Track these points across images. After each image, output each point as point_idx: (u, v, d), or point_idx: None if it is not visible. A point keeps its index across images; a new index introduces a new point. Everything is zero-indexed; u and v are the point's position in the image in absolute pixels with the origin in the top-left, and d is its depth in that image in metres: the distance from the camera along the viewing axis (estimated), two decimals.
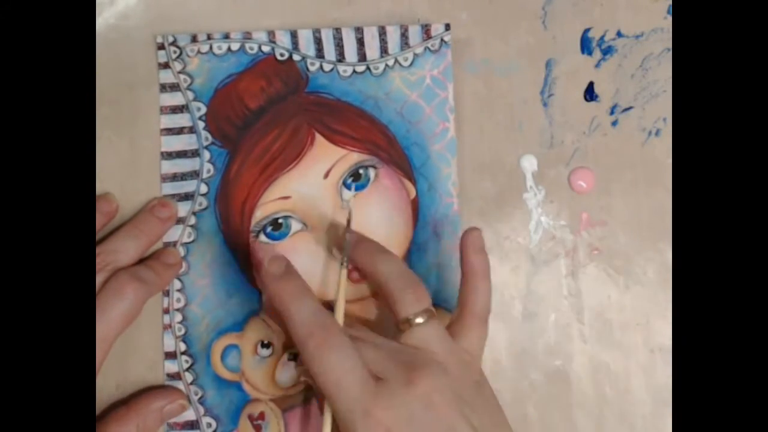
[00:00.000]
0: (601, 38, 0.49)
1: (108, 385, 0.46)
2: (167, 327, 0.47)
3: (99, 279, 0.43)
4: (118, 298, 0.43)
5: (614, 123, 0.49)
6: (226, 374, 0.46)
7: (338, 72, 0.48)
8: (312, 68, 0.48)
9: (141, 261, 0.46)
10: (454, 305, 0.47)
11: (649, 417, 0.47)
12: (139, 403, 0.45)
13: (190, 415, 0.46)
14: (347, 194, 0.47)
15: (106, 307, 0.42)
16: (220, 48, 0.48)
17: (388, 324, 0.47)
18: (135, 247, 0.45)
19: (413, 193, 0.48)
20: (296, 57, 0.48)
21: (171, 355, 0.46)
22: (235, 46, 0.48)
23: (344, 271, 0.43)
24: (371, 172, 0.48)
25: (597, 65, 0.49)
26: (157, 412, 0.45)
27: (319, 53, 0.48)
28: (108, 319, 0.42)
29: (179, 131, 0.48)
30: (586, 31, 0.49)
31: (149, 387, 0.46)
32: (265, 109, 0.48)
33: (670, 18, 0.49)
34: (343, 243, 0.44)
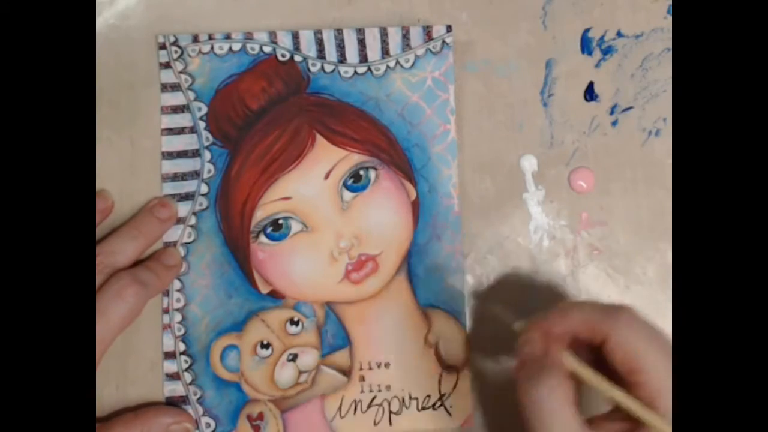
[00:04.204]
0: (601, 38, 0.49)
1: (108, 385, 0.46)
2: (167, 327, 0.47)
3: (98, 280, 0.43)
4: (118, 301, 0.43)
5: (614, 123, 0.49)
6: (225, 374, 0.46)
7: (339, 73, 0.48)
8: (313, 69, 0.48)
9: (140, 261, 0.46)
10: (454, 308, 0.47)
11: None
12: (148, 413, 0.45)
13: None
14: (348, 195, 0.47)
15: (107, 308, 0.42)
16: (221, 48, 0.48)
17: (388, 324, 0.47)
18: (134, 248, 0.45)
19: (414, 195, 0.48)
20: (297, 58, 0.48)
21: (170, 355, 0.46)
22: (236, 47, 0.48)
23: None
24: (372, 174, 0.48)
25: (597, 65, 0.49)
26: (162, 427, 0.45)
27: (321, 54, 0.48)
28: (107, 320, 0.42)
29: (180, 131, 0.48)
30: (586, 31, 0.49)
31: (161, 403, 0.46)
32: (266, 110, 0.48)
33: (670, 18, 0.49)
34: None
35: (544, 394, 0.36)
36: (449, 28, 0.49)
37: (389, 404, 0.47)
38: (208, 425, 0.46)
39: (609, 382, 0.37)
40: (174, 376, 0.46)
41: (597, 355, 0.38)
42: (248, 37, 0.48)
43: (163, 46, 0.48)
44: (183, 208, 0.47)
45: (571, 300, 0.40)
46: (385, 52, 0.48)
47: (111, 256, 0.44)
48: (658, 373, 0.36)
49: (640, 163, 0.49)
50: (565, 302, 0.40)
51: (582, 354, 0.38)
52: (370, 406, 0.47)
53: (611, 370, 0.37)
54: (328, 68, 0.48)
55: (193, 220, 0.47)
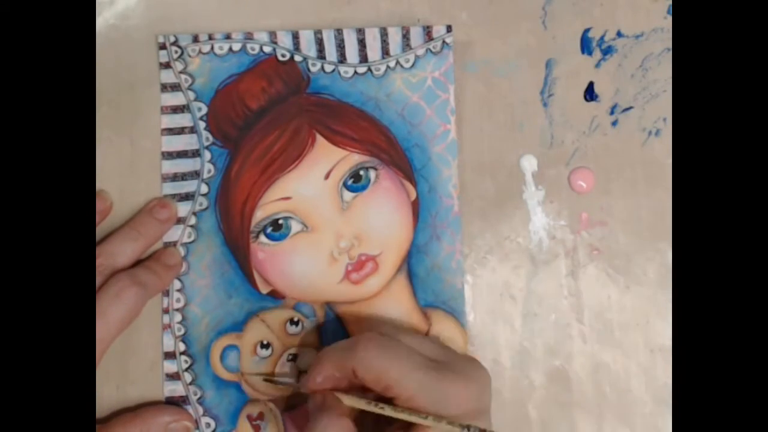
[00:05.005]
0: (601, 38, 0.49)
1: (108, 385, 0.46)
2: (167, 327, 0.47)
3: (97, 281, 0.43)
4: (118, 302, 0.43)
5: (614, 123, 0.49)
6: (225, 374, 0.46)
7: (339, 73, 0.48)
8: (313, 69, 0.48)
9: (140, 261, 0.46)
10: (454, 308, 0.47)
11: (649, 417, 0.47)
12: (147, 412, 0.45)
13: None
14: (348, 195, 0.47)
15: (106, 310, 0.42)
16: (221, 48, 0.48)
17: (388, 324, 0.47)
18: (133, 249, 0.45)
19: (414, 195, 0.48)
20: (297, 58, 0.48)
21: (170, 355, 0.46)
22: (236, 47, 0.48)
23: None
24: (372, 174, 0.48)
25: (597, 65, 0.49)
26: (162, 426, 0.45)
27: (321, 54, 0.48)
28: (106, 321, 0.42)
29: (180, 131, 0.48)
30: (586, 31, 0.49)
31: (160, 402, 0.46)
32: (266, 110, 0.48)
33: (670, 18, 0.49)
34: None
35: (322, 429, 0.39)
36: (449, 28, 0.49)
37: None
38: (208, 425, 0.46)
39: (378, 404, 0.39)
40: (174, 376, 0.46)
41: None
42: (248, 37, 0.48)
43: (163, 46, 0.48)
44: (183, 208, 0.47)
45: (323, 348, 0.43)
46: (385, 52, 0.48)
47: (111, 257, 0.44)
48: (402, 382, 0.39)
49: (640, 163, 0.49)
50: (320, 352, 0.42)
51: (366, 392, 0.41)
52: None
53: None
54: (328, 68, 0.48)
55: (193, 220, 0.47)
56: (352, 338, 0.41)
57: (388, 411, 0.39)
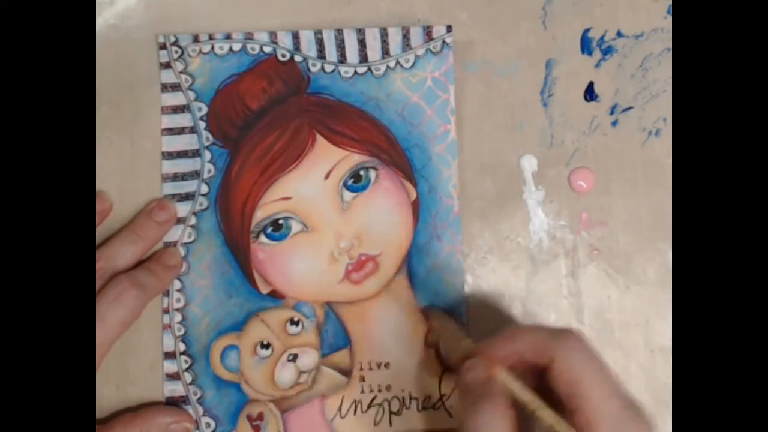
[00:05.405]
0: (601, 38, 0.49)
1: (108, 386, 0.46)
2: (167, 327, 0.47)
3: (97, 285, 0.43)
4: (118, 305, 0.43)
5: (614, 123, 0.49)
6: (226, 374, 0.46)
7: (339, 73, 0.48)
8: (313, 69, 0.48)
9: (140, 261, 0.46)
10: (454, 308, 0.47)
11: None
12: (147, 413, 0.45)
13: None
14: (348, 195, 0.47)
15: (106, 313, 0.42)
16: (221, 48, 0.48)
17: (388, 324, 0.47)
18: (133, 252, 0.45)
19: (414, 195, 0.48)
20: (298, 58, 0.48)
21: (170, 355, 0.46)
22: (236, 47, 0.48)
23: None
24: (372, 174, 0.48)
25: (597, 65, 0.49)
26: (162, 427, 0.45)
27: (321, 54, 0.48)
28: (106, 325, 0.42)
29: (180, 131, 0.48)
30: (586, 31, 0.49)
31: (161, 403, 0.46)
32: (267, 110, 0.48)
33: (670, 18, 0.49)
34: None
35: (485, 422, 0.36)
36: (449, 28, 0.49)
37: (389, 404, 0.46)
38: (208, 425, 0.46)
39: (544, 404, 0.36)
40: (174, 376, 0.46)
41: (540, 382, 0.38)
42: (248, 37, 0.48)
43: (163, 46, 0.48)
44: (183, 208, 0.47)
45: (519, 325, 0.41)
46: (385, 52, 0.48)
47: (110, 261, 0.44)
48: (594, 401, 0.35)
49: (640, 163, 0.49)
50: (513, 327, 0.41)
51: (526, 381, 0.38)
52: (370, 406, 0.47)
53: (551, 397, 0.37)
54: (329, 68, 0.48)
55: (193, 220, 0.47)
56: (559, 328, 0.38)
57: (554, 420, 0.36)
